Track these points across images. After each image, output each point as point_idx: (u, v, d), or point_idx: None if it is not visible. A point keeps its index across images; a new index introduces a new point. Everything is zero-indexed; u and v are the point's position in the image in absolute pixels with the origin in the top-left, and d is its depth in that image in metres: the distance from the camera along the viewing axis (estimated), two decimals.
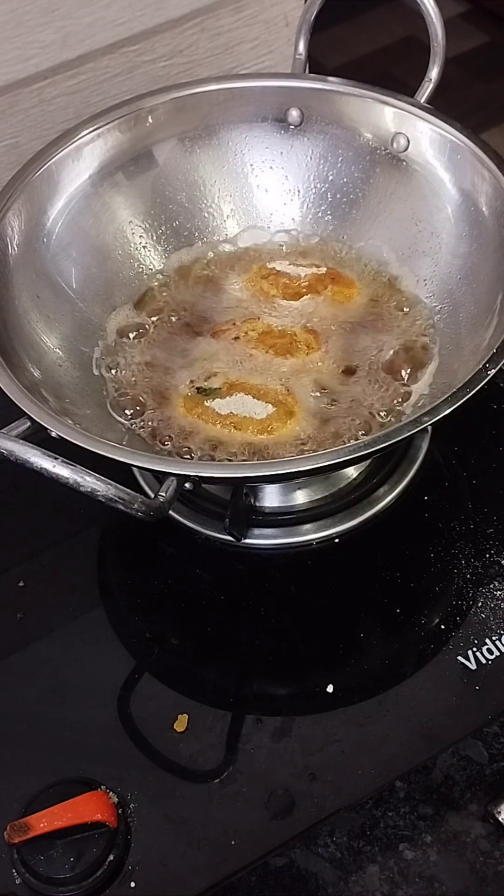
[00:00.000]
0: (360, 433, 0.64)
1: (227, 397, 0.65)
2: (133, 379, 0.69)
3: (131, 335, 0.71)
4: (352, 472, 0.71)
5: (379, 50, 2.13)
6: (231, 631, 0.65)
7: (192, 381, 0.68)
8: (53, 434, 0.53)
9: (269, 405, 0.65)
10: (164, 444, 0.65)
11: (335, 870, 0.54)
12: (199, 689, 0.62)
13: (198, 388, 0.66)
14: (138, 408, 0.67)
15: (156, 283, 0.75)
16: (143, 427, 0.66)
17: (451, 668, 0.61)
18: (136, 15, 0.82)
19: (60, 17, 0.78)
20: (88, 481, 0.48)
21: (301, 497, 0.70)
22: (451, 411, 0.53)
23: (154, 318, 0.72)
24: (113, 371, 0.69)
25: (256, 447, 0.63)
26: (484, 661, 0.61)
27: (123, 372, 0.69)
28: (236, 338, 0.70)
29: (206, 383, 0.67)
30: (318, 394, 0.66)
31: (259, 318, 0.71)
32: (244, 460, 0.63)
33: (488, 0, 2.20)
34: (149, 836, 0.55)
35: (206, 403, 0.65)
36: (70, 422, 0.56)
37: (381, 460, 0.71)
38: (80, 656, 0.64)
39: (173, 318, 0.72)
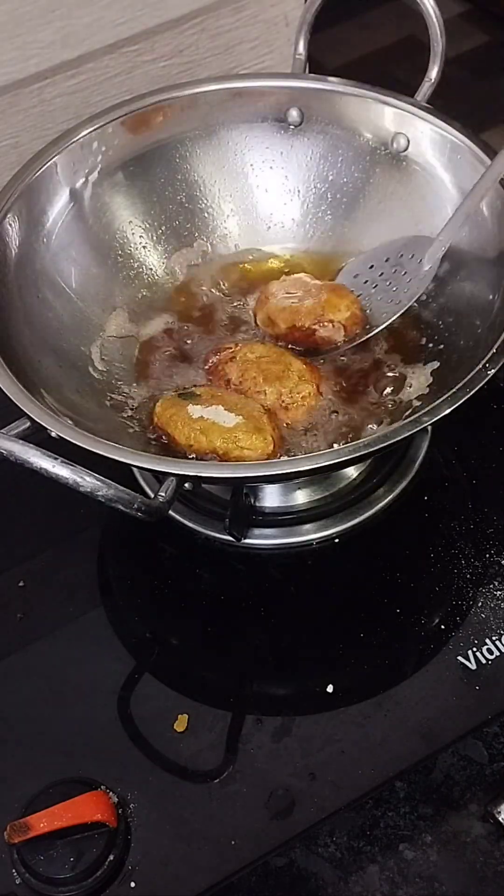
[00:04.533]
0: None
1: (205, 406, 0.64)
2: (132, 380, 0.69)
3: (131, 337, 0.71)
4: (352, 472, 0.71)
5: (379, 50, 2.13)
6: (231, 631, 0.65)
7: (177, 388, 0.67)
8: (53, 434, 0.53)
9: (240, 417, 0.63)
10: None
11: (335, 870, 0.54)
12: (199, 689, 0.62)
13: (180, 393, 0.66)
14: (137, 408, 0.67)
15: (156, 289, 0.75)
16: (141, 427, 0.66)
17: (451, 668, 0.61)
18: (136, 15, 0.82)
19: (60, 17, 0.78)
20: (88, 481, 0.48)
21: (301, 497, 0.70)
22: (451, 411, 0.53)
23: (154, 324, 0.72)
24: (112, 371, 0.69)
25: (218, 454, 0.62)
26: (484, 661, 0.61)
27: (123, 373, 0.69)
28: (232, 358, 0.69)
29: (189, 390, 0.66)
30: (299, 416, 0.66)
31: (260, 342, 0.71)
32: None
33: (488, 0, 2.20)
34: (149, 836, 0.55)
35: (181, 406, 0.64)
36: (70, 422, 0.56)
37: (381, 460, 0.71)
38: (80, 656, 0.64)
39: (172, 325, 0.72)
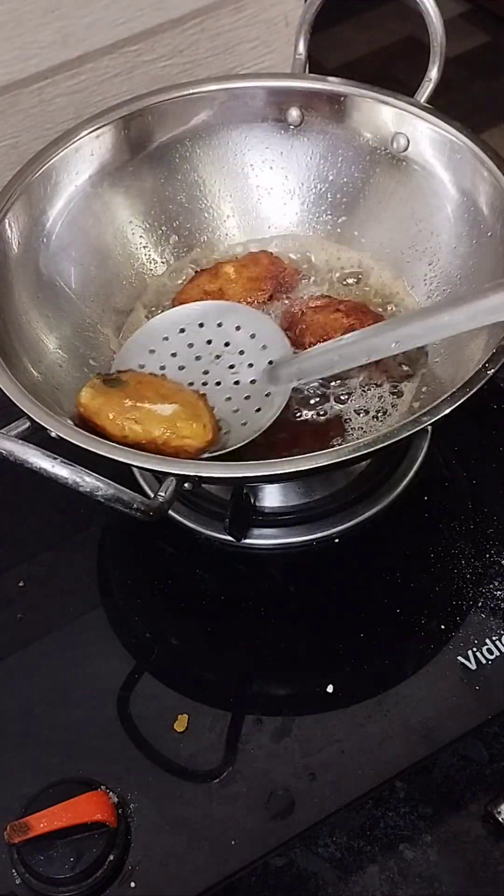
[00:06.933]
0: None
1: (133, 396, 0.61)
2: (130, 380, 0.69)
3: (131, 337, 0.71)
4: (352, 471, 0.71)
5: (379, 50, 2.13)
6: (231, 631, 0.65)
7: (99, 373, 0.64)
8: (53, 434, 0.53)
9: (175, 404, 0.60)
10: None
11: (335, 870, 0.54)
12: (199, 689, 0.62)
13: (104, 379, 0.62)
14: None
15: (156, 289, 0.75)
16: None
17: (451, 668, 0.61)
18: (136, 15, 0.82)
19: (60, 17, 0.78)
20: (88, 481, 0.48)
21: (301, 497, 0.69)
22: (451, 411, 0.53)
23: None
24: (112, 372, 0.69)
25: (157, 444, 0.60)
26: (484, 661, 0.61)
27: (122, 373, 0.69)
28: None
29: (114, 375, 0.63)
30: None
31: None
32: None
33: (488, 0, 2.20)
34: (149, 836, 0.55)
35: (111, 395, 0.60)
36: (70, 422, 0.56)
37: (381, 460, 0.71)
38: (80, 656, 0.64)
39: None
